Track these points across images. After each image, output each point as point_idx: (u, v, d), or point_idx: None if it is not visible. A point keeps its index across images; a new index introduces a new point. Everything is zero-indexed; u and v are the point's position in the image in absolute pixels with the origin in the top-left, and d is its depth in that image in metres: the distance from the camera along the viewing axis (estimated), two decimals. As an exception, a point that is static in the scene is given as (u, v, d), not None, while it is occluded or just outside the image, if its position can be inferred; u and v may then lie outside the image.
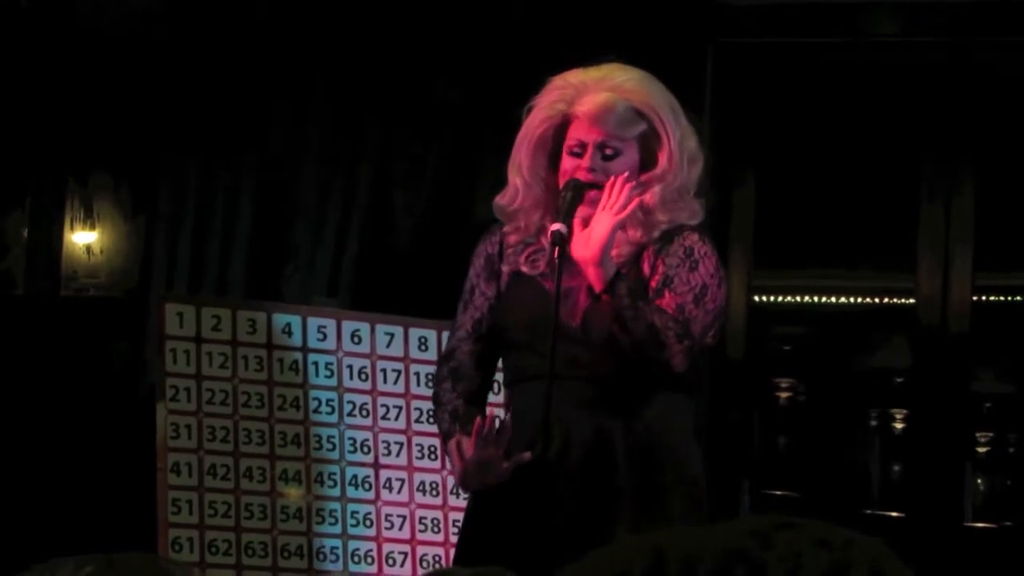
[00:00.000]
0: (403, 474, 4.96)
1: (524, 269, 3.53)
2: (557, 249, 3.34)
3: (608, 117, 3.42)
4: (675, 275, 3.41)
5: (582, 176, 3.42)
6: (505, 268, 3.57)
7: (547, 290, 3.45)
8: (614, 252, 3.40)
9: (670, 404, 3.47)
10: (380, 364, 4.97)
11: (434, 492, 4.97)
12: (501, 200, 3.57)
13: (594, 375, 3.43)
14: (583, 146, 3.44)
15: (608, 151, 3.43)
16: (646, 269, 3.45)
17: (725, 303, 3.52)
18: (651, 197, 3.44)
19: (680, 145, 3.46)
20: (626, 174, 3.41)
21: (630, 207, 3.37)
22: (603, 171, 3.41)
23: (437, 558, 4.93)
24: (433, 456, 4.97)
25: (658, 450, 3.43)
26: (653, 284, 3.41)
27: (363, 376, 4.96)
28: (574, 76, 3.50)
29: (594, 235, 3.35)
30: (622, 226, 3.39)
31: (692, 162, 3.49)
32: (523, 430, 3.44)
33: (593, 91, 3.45)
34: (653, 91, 3.49)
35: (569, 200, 3.37)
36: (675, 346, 3.32)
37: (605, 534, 3.30)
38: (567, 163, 3.46)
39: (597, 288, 3.34)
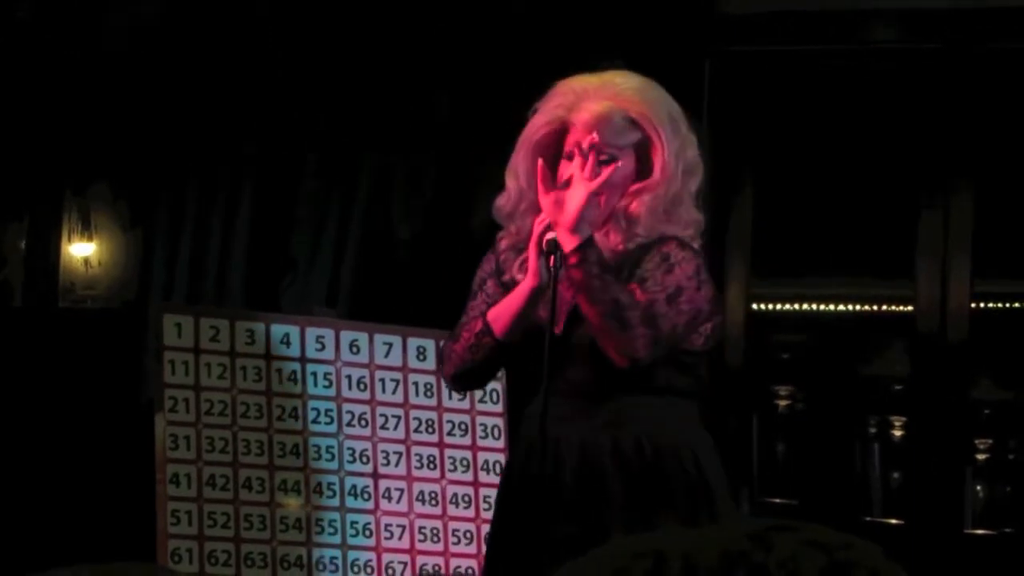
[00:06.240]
0: (402, 484, 4.96)
1: (518, 277, 3.52)
2: (553, 257, 3.33)
3: (603, 126, 3.43)
4: (649, 276, 3.40)
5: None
6: (506, 278, 3.56)
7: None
8: None
9: (663, 411, 3.45)
10: (379, 374, 4.97)
11: (433, 502, 4.96)
12: (499, 202, 3.58)
13: (579, 389, 3.42)
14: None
15: (603, 157, 3.43)
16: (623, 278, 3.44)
17: (709, 308, 3.45)
18: (637, 205, 3.44)
19: (676, 155, 3.46)
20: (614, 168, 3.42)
21: (603, 176, 3.36)
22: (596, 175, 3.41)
23: (437, 568, 4.93)
24: (432, 466, 4.97)
25: (653, 460, 3.41)
26: (629, 287, 3.39)
27: (362, 386, 4.96)
28: (577, 82, 3.51)
29: (570, 203, 3.33)
30: (598, 194, 3.36)
31: (689, 173, 3.49)
32: (521, 446, 3.49)
33: (592, 99, 3.46)
34: (651, 100, 3.49)
35: None
36: (639, 328, 3.28)
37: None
38: (564, 168, 3.46)
39: (567, 249, 3.31)
